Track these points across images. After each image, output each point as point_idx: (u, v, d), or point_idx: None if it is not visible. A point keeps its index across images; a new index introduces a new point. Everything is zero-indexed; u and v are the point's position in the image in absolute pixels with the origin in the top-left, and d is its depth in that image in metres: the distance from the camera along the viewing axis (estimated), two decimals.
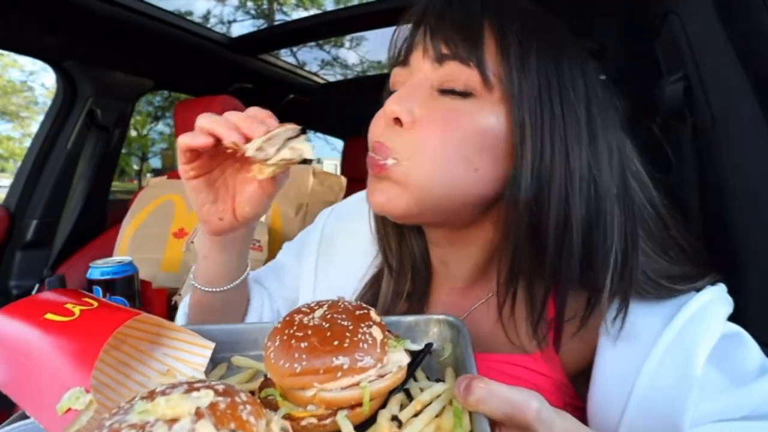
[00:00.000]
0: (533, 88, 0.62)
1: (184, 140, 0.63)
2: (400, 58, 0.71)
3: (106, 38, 2.07)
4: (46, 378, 0.50)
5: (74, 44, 2.03)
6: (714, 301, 0.62)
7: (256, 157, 0.62)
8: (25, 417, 0.51)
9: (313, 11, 2.47)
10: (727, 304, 0.63)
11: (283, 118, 0.64)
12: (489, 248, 0.74)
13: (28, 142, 2.25)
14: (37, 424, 0.49)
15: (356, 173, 2.74)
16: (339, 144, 4.21)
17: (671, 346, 0.59)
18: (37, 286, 2.05)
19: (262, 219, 1.74)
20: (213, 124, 0.62)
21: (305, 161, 0.68)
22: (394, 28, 0.74)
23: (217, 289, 0.78)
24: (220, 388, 0.42)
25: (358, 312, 0.55)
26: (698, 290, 0.63)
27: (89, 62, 2.12)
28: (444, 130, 0.62)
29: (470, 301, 0.78)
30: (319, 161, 7.94)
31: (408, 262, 0.81)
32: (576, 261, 0.63)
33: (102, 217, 2.37)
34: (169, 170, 2.58)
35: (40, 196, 2.15)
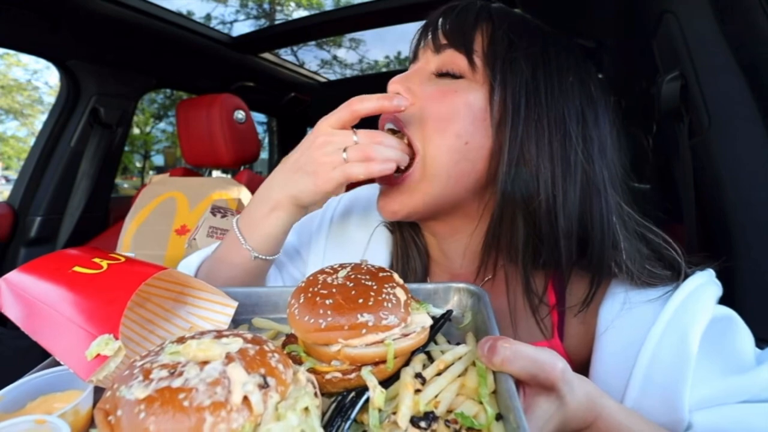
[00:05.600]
0: (520, 78, 0.71)
1: None
2: (411, 56, 0.84)
3: (110, 37, 2.08)
4: (74, 326, 0.52)
5: (78, 43, 2.05)
6: (703, 284, 0.66)
7: None
8: (56, 364, 0.53)
9: (313, 11, 2.47)
10: (716, 287, 0.67)
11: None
12: (481, 236, 0.78)
13: (33, 142, 2.26)
14: (68, 369, 0.50)
15: None
16: None
17: (667, 327, 0.63)
18: None
19: None
20: None
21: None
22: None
23: (270, 257, 0.81)
24: (249, 336, 0.43)
25: (381, 274, 0.56)
26: (687, 276, 0.67)
27: (92, 61, 2.14)
28: (437, 102, 0.72)
29: None
30: None
31: (413, 250, 0.88)
32: (566, 245, 0.68)
33: (105, 214, 2.40)
34: (171, 168, 2.58)
35: (43, 193, 2.17)
